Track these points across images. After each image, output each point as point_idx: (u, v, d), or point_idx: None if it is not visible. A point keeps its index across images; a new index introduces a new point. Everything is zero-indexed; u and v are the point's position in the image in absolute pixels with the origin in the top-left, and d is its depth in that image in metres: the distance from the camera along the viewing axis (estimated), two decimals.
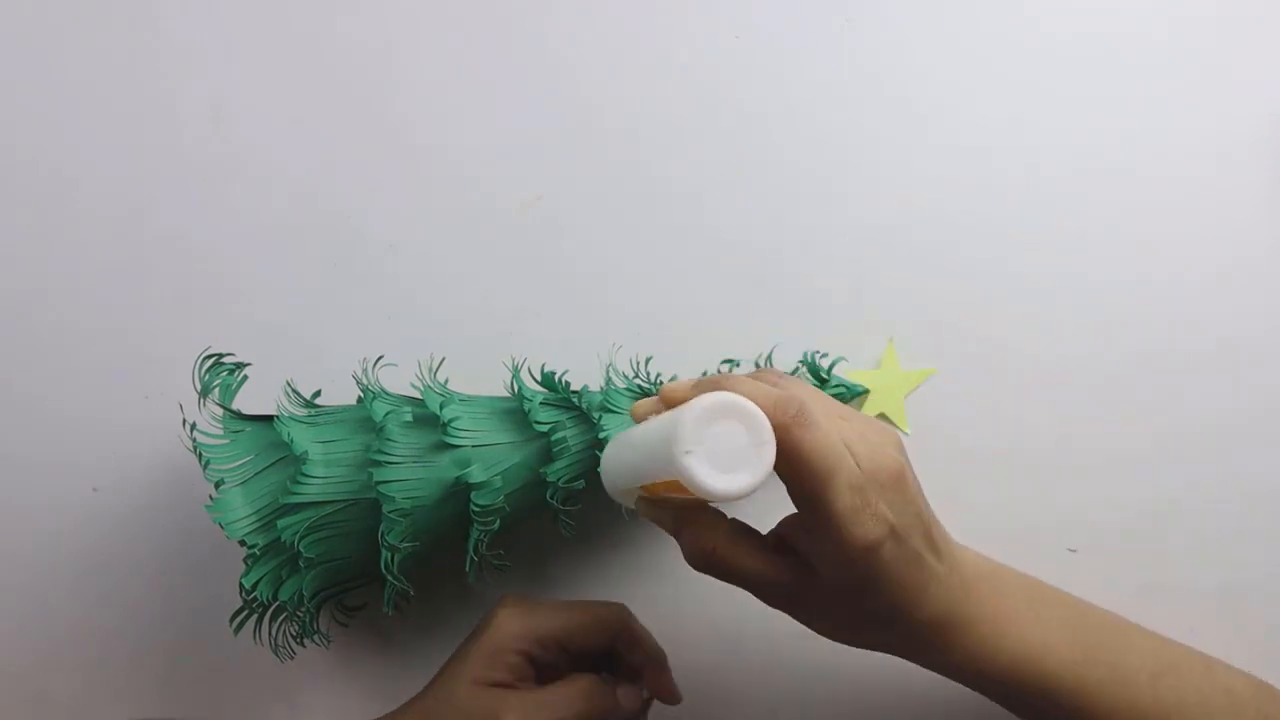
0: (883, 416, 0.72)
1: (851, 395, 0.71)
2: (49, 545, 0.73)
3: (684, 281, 0.74)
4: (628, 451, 0.55)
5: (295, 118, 0.77)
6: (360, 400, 0.66)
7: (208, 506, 0.60)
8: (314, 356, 0.74)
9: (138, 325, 0.75)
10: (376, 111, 0.77)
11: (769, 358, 0.71)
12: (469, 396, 0.67)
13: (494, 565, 0.65)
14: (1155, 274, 0.73)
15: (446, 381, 0.68)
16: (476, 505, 0.62)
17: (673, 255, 0.75)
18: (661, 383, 0.68)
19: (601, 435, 0.64)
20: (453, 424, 0.63)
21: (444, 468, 0.62)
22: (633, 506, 0.58)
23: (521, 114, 0.76)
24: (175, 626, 0.73)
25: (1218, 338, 0.72)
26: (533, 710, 0.59)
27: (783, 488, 0.51)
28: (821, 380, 0.70)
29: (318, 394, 0.67)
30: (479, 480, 0.62)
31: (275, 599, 0.61)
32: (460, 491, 0.62)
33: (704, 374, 0.70)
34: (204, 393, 0.64)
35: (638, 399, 0.67)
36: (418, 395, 0.66)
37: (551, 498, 0.64)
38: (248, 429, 0.65)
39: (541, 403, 0.65)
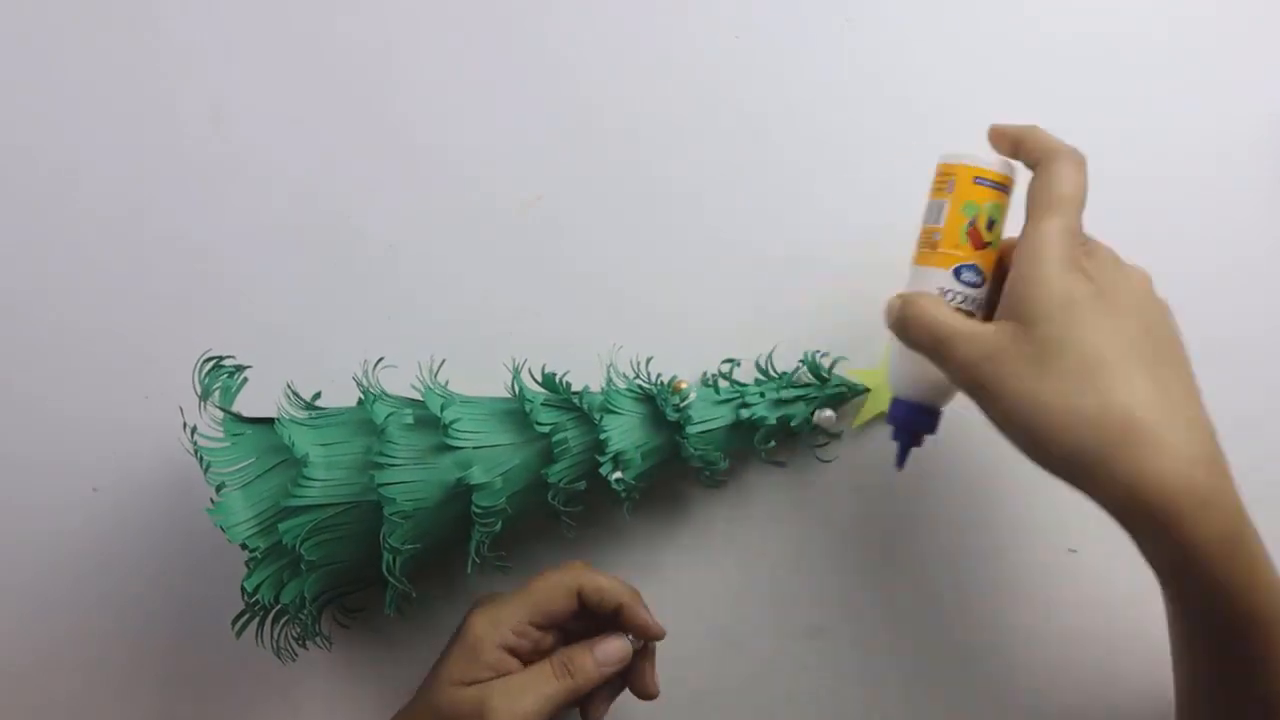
0: (883, 416, 0.72)
1: (852, 394, 0.71)
2: (49, 545, 0.74)
3: (684, 281, 0.74)
4: None
5: (295, 118, 0.77)
6: (361, 402, 0.66)
7: (209, 510, 0.60)
8: (314, 356, 0.74)
9: (138, 325, 0.75)
10: (376, 111, 0.77)
11: (769, 357, 0.71)
12: (470, 398, 0.67)
13: (495, 566, 0.65)
14: (1155, 274, 0.73)
15: (447, 383, 0.68)
16: (478, 507, 0.62)
17: (673, 255, 0.75)
18: (662, 382, 0.68)
19: (602, 436, 0.64)
20: (454, 426, 0.63)
21: (445, 469, 0.62)
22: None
23: (521, 114, 0.76)
24: (175, 626, 0.73)
25: (1218, 338, 0.72)
26: (516, 694, 0.60)
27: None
28: (822, 380, 0.70)
29: (318, 396, 0.67)
30: (480, 482, 0.62)
31: (277, 602, 0.62)
32: (461, 493, 0.62)
33: (706, 374, 0.71)
34: (204, 396, 0.64)
35: (638, 399, 0.67)
36: (418, 397, 0.66)
37: (553, 499, 0.64)
38: (248, 432, 0.65)
39: (542, 404, 0.65)
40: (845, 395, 0.71)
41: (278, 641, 0.64)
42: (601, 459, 0.64)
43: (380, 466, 0.61)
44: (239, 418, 0.65)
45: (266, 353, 0.71)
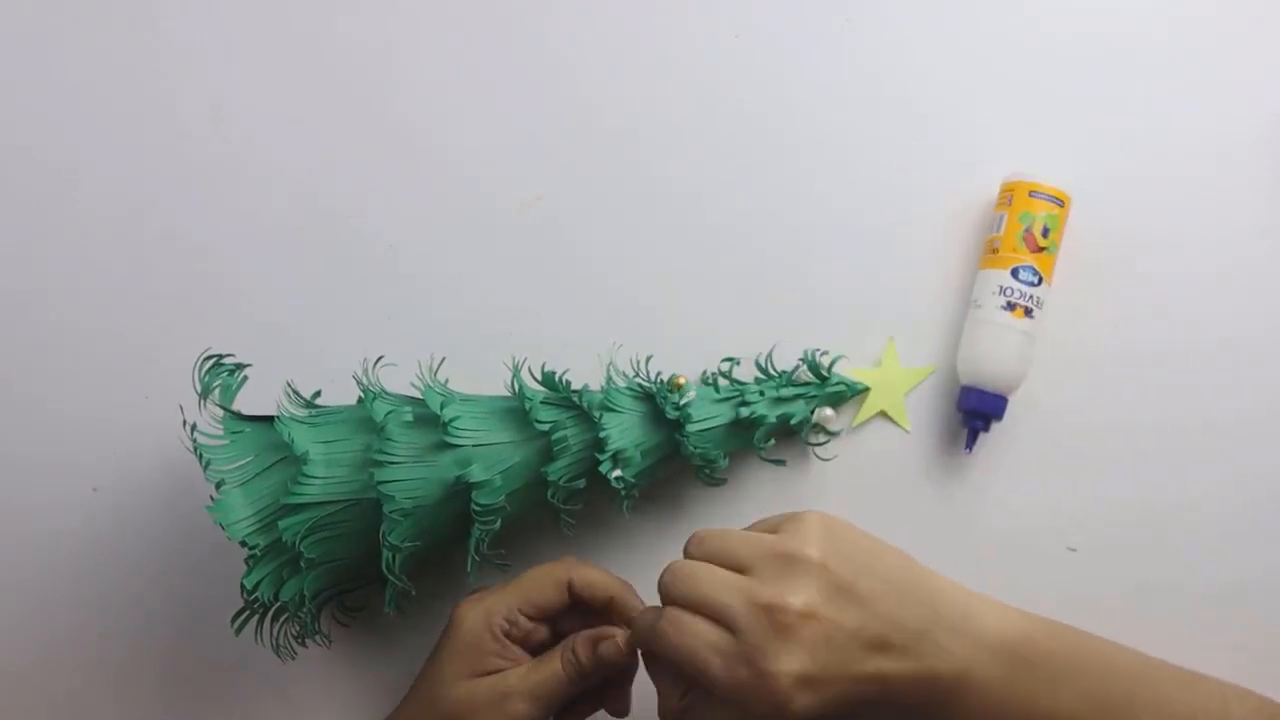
0: (883, 414, 0.72)
1: (852, 393, 0.71)
2: (49, 545, 0.74)
3: (684, 280, 0.74)
4: None
5: (295, 118, 0.77)
6: (360, 400, 0.66)
7: (209, 508, 0.60)
8: (314, 356, 0.74)
9: (138, 325, 0.75)
10: (376, 111, 0.77)
11: (769, 356, 0.71)
12: (469, 396, 0.67)
13: (495, 565, 0.65)
14: (1155, 274, 0.73)
15: (447, 381, 0.68)
16: (477, 504, 0.62)
17: (673, 254, 0.75)
18: (662, 381, 0.68)
19: (602, 434, 0.64)
20: (453, 423, 0.63)
21: (445, 467, 0.62)
22: None
23: (521, 114, 0.76)
24: (175, 625, 0.73)
25: (1218, 337, 0.72)
26: (535, 681, 0.61)
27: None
28: (822, 378, 0.70)
29: (318, 394, 0.67)
30: (480, 479, 0.62)
31: (276, 599, 0.61)
32: (461, 491, 0.62)
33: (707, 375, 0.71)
34: (204, 394, 0.64)
35: (638, 398, 0.67)
36: (418, 395, 0.66)
37: (552, 497, 0.64)
38: (248, 430, 0.64)
39: (542, 402, 0.65)
40: (845, 394, 0.71)
41: (277, 639, 0.64)
42: (601, 456, 0.64)
43: (380, 464, 0.61)
44: (238, 415, 0.65)
45: (266, 352, 0.71)
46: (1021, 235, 0.70)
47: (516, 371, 0.67)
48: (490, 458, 0.63)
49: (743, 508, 0.72)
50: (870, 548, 0.56)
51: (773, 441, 0.70)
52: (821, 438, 0.71)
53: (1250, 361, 0.72)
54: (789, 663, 0.52)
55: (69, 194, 0.76)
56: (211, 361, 0.65)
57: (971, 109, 0.76)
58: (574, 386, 0.66)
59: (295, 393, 0.67)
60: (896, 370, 0.72)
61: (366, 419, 0.64)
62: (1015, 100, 0.75)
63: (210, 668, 0.73)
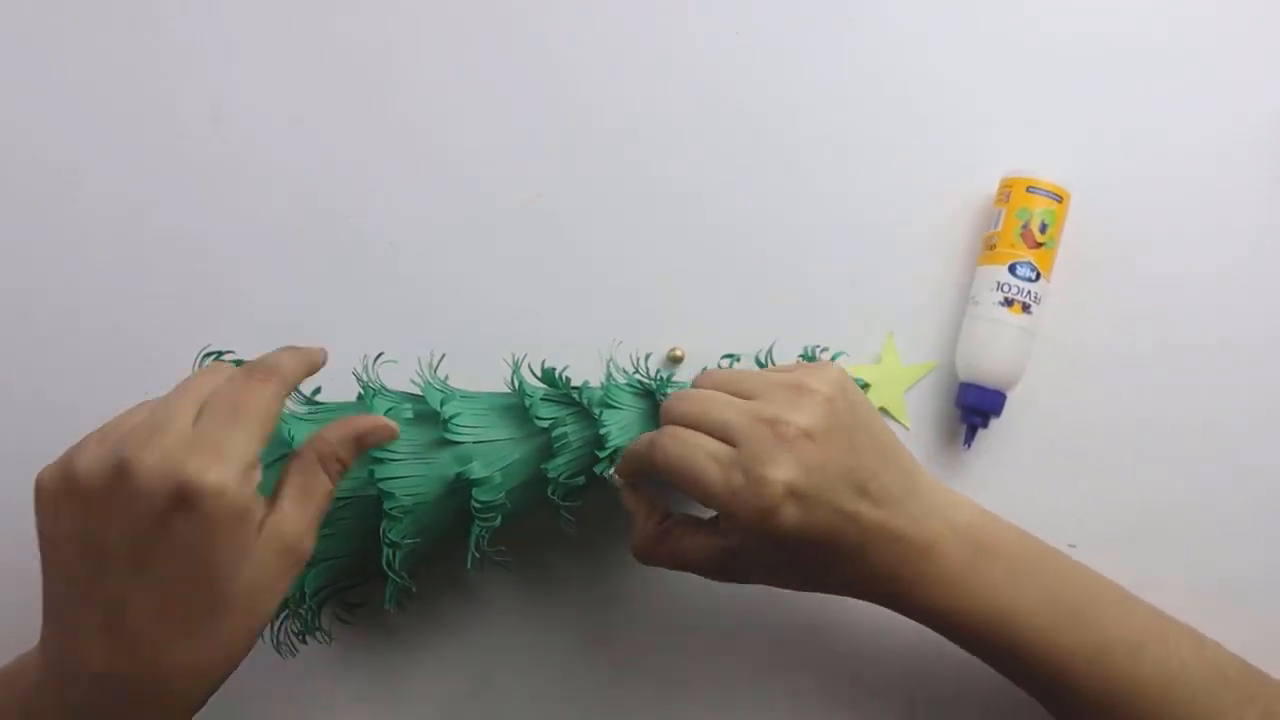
0: (883, 410, 0.72)
1: None
2: None
3: (685, 278, 0.75)
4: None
5: (295, 118, 0.77)
6: (360, 397, 0.66)
7: None
8: None
9: (138, 325, 0.75)
10: (376, 111, 0.77)
11: (769, 353, 0.71)
12: (469, 392, 0.67)
13: (495, 561, 0.65)
14: (1155, 273, 0.73)
15: (446, 378, 0.68)
16: (477, 501, 0.62)
17: (673, 252, 0.75)
18: (662, 379, 0.67)
19: (602, 431, 0.64)
20: (453, 420, 0.63)
21: (445, 464, 0.62)
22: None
23: (521, 113, 0.77)
24: None
25: (1218, 337, 0.72)
26: (309, 510, 0.53)
27: None
28: None
29: (317, 391, 0.67)
30: (480, 476, 0.62)
31: None
32: (461, 488, 0.62)
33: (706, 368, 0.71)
34: None
35: (638, 394, 0.67)
36: (417, 391, 0.66)
37: (552, 493, 0.64)
38: None
39: (542, 398, 0.65)
40: None
41: (278, 636, 0.64)
42: (600, 455, 0.64)
43: (380, 461, 0.61)
44: None
45: (266, 350, 0.71)
46: (1019, 231, 0.70)
47: (516, 368, 0.67)
48: (490, 454, 0.63)
49: None
50: (874, 415, 0.60)
51: None
52: None
53: (1250, 360, 0.72)
54: (784, 471, 0.54)
55: (69, 194, 0.76)
56: (211, 358, 0.65)
57: (971, 108, 0.76)
58: (574, 383, 0.66)
59: (296, 391, 0.67)
60: (896, 367, 0.72)
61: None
62: (1015, 99, 0.76)
63: None
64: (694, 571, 0.60)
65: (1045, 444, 0.72)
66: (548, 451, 0.64)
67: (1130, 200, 0.74)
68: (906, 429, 0.72)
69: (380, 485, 0.60)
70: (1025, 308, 0.69)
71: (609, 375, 0.69)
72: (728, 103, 0.76)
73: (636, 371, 0.69)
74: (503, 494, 0.63)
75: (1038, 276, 0.70)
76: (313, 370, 0.57)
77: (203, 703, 0.53)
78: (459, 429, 0.63)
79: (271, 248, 0.76)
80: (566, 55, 0.77)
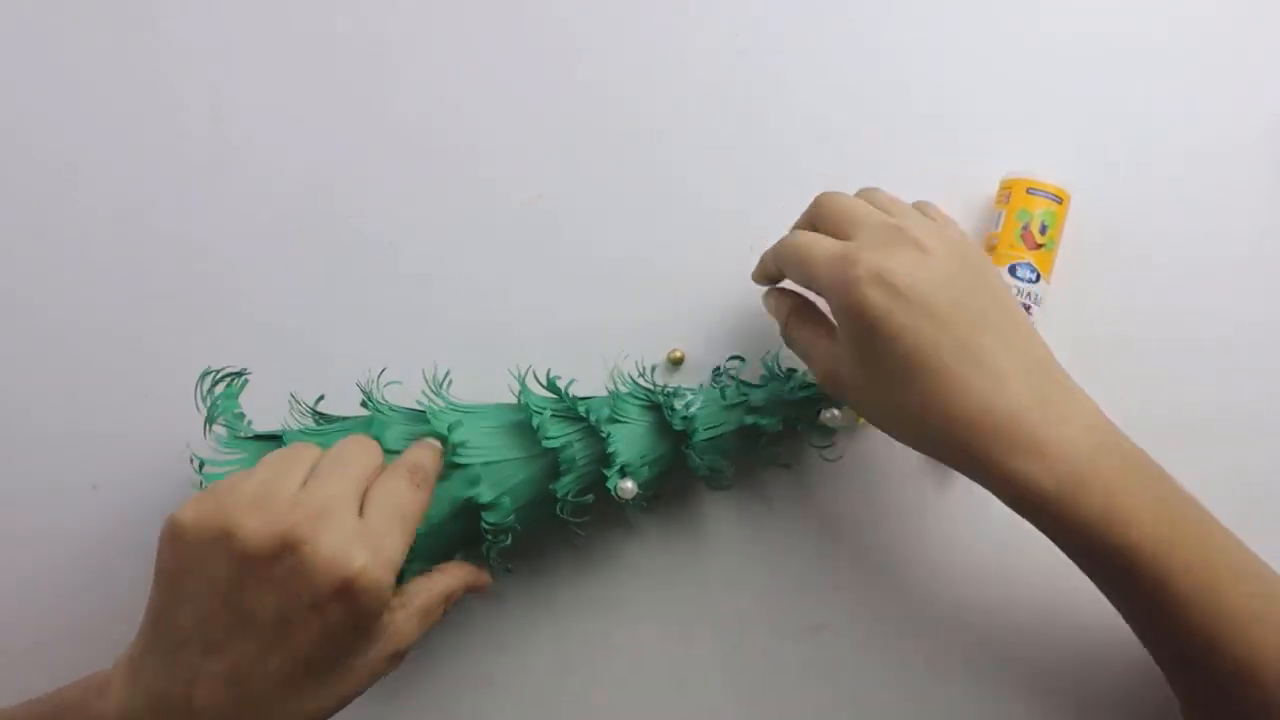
0: None
1: None
2: (49, 544, 0.73)
3: (686, 280, 0.74)
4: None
5: (296, 118, 0.77)
6: (365, 407, 0.66)
7: None
8: (314, 355, 0.74)
9: (138, 325, 0.75)
10: (377, 111, 0.77)
11: (776, 356, 0.71)
12: (473, 407, 0.66)
13: (501, 570, 0.65)
14: (1155, 273, 0.73)
15: (448, 378, 0.68)
16: (487, 523, 0.61)
17: (675, 253, 0.75)
18: (668, 391, 0.67)
19: (609, 450, 0.63)
20: (461, 446, 0.62)
21: (453, 486, 0.62)
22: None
23: (522, 114, 0.76)
24: None
25: (1218, 337, 0.73)
26: (419, 623, 0.58)
27: None
28: None
29: (320, 399, 0.67)
30: (488, 500, 0.61)
31: None
32: (470, 508, 0.62)
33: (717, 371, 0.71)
34: (210, 419, 0.63)
35: (645, 407, 0.66)
36: (421, 402, 0.66)
37: (561, 511, 0.64)
38: (255, 450, 0.63)
39: (551, 416, 0.64)
40: None
41: None
42: (608, 472, 0.64)
43: None
44: (245, 438, 0.64)
45: (266, 351, 0.72)
46: (1019, 232, 0.70)
47: (523, 382, 0.66)
48: (498, 475, 0.62)
49: (751, 506, 0.72)
50: (1008, 299, 0.59)
51: (779, 448, 0.70)
52: (827, 439, 0.71)
53: (1250, 361, 0.73)
54: (884, 259, 0.55)
55: (69, 194, 0.76)
56: (211, 380, 0.64)
57: (971, 108, 0.76)
58: (577, 388, 0.66)
59: (299, 402, 0.67)
60: None
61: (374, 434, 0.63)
62: (1015, 99, 0.76)
63: None
64: (812, 368, 0.63)
65: None
66: (555, 469, 0.64)
67: (1130, 200, 0.74)
68: None
69: None
70: (1025, 309, 0.69)
71: (615, 389, 0.69)
72: (729, 103, 0.76)
73: (641, 374, 0.69)
74: (511, 516, 0.62)
75: (1038, 278, 0.70)
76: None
77: None
78: (466, 452, 0.62)
79: (271, 248, 0.76)
80: (567, 55, 0.77)
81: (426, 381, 0.67)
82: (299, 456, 0.56)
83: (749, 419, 0.67)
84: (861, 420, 0.72)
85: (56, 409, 0.74)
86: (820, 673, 0.71)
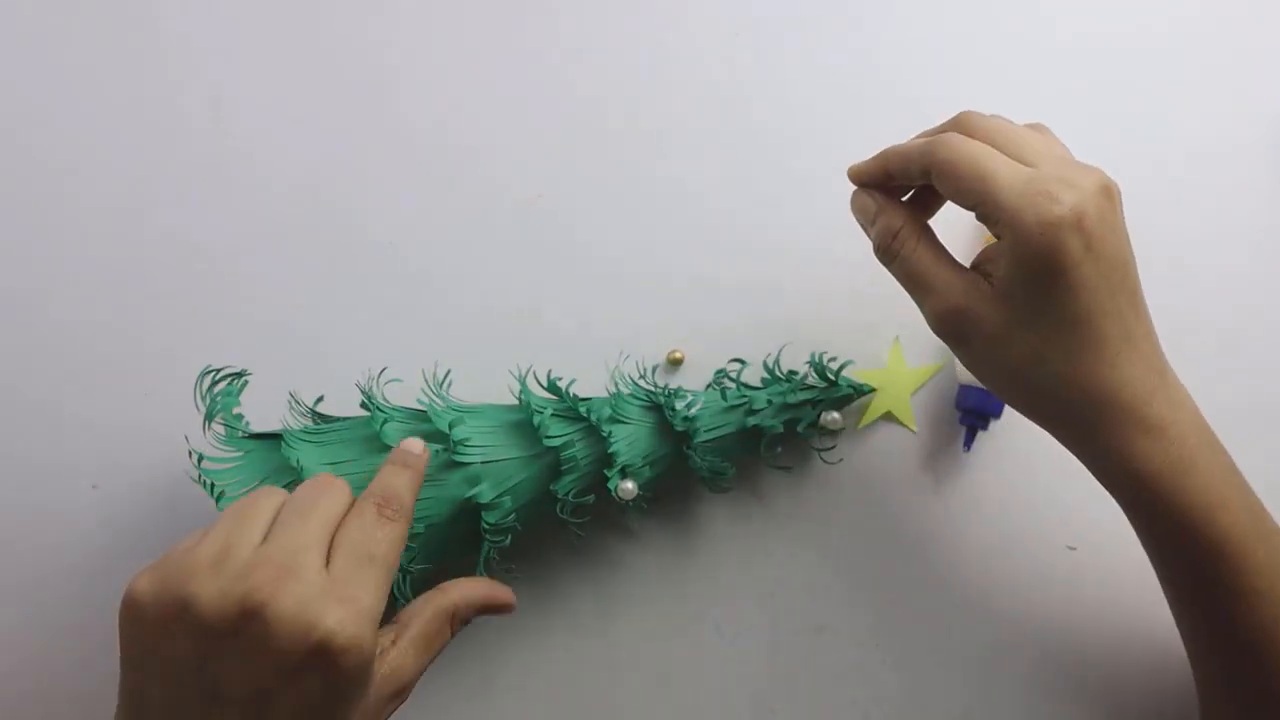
0: (889, 415, 0.72)
1: (859, 395, 0.71)
2: (49, 544, 0.73)
3: (687, 281, 0.74)
4: None
5: (296, 117, 0.77)
6: (364, 404, 0.66)
7: None
8: (314, 353, 0.74)
9: (138, 325, 0.75)
10: (377, 110, 0.77)
11: (777, 359, 0.71)
12: (475, 407, 0.67)
13: (504, 577, 0.65)
14: (1155, 274, 0.73)
15: (448, 376, 0.68)
16: (487, 523, 0.61)
17: (675, 254, 0.75)
18: (669, 392, 0.67)
19: (610, 450, 0.63)
20: (462, 444, 0.62)
21: (454, 486, 0.62)
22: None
23: (522, 114, 0.76)
24: None
25: (1218, 337, 0.73)
26: (423, 658, 0.56)
27: None
28: (830, 382, 0.70)
29: (320, 400, 0.67)
30: (489, 499, 0.61)
31: None
32: (470, 508, 0.62)
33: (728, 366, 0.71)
34: (209, 417, 0.63)
35: (646, 408, 0.66)
36: (422, 400, 0.66)
37: (561, 511, 0.64)
38: (254, 449, 0.64)
39: (551, 415, 0.65)
40: (852, 396, 0.71)
41: None
42: (609, 473, 0.64)
43: None
44: (244, 436, 0.64)
45: (266, 349, 0.72)
46: None
47: (524, 382, 0.66)
48: (498, 474, 0.63)
49: (750, 509, 0.72)
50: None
51: (780, 449, 0.70)
52: (827, 441, 0.71)
53: (1250, 361, 0.73)
54: (1085, 200, 0.51)
55: (69, 192, 0.76)
56: (216, 380, 0.64)
57: (971, 108, 0.75)
58: (578, 388, 0.66)
59: (298, 401, 0.67)
60: (902, 370, 0.72)
61: (374, 436, 0.63)
62: (1015, 99, 0.75)
63: None
64: (924, 299, 0.57)
65: (1045, 446, 0.71)
66: (555, 469, 0.64)
67: (1130, 200, 0.74)
68: (913, 432, 0.72)
69: None
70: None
71: (616, 389, 0.69)
72: (730, 103, 0.76)
73: (642, 375, 0.69)
74: (511, 515, 0.63)
75: None
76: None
77: None
78: (467, 451, 0.62)
79: (271, 247, 0.76)
80: (568, 55, 0.77)
81: (426, 381, 0.67)
82: (259, 505, 0.52)
83: (750, 421, 0.67)
84: (861, 424, 0.72)
85: (56, 408, 0.74)
86: (821, 673, 0.71)
